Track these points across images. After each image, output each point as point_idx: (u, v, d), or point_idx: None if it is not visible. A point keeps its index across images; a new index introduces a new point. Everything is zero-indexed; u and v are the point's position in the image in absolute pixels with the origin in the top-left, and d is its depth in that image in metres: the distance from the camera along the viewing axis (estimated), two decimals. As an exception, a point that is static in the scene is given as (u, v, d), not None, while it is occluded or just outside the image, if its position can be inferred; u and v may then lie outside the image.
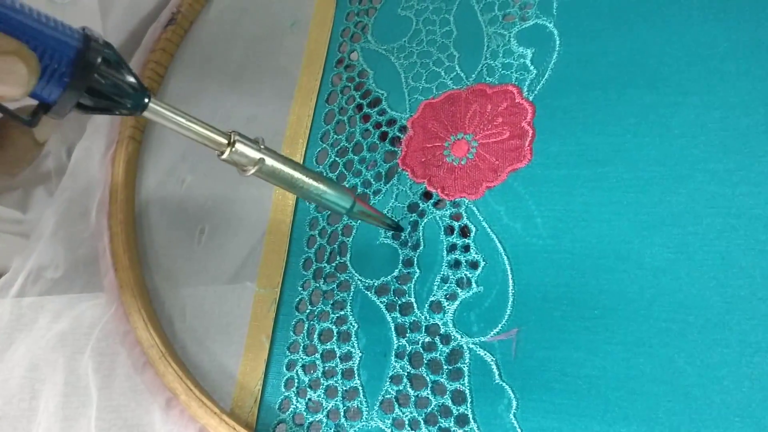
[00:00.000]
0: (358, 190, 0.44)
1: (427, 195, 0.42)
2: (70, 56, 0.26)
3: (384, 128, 0.45)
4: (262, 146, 0.33)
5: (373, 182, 0.44)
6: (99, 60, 0.27)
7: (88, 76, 0.27)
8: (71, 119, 0.58)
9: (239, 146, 0.31)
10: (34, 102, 0.28)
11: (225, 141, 0.31)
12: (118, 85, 0.28)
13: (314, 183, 0.35)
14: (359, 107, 0.47)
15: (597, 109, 0.39)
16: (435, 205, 0.41)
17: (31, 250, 0.52)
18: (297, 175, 0.34)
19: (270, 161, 0.33)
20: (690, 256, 0.33)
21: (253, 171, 0.32)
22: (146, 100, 0.29)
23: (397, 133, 0.45)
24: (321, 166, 0.46)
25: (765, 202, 0.32)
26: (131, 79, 0.29)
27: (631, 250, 0.35)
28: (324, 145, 0.47)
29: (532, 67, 0.42)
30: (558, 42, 0.42)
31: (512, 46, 0.43)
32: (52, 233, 0.52)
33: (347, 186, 0.44)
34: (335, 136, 0.47)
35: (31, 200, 0.61)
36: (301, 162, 0.46)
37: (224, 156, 0.32)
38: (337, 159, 0.46)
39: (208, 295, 0.45)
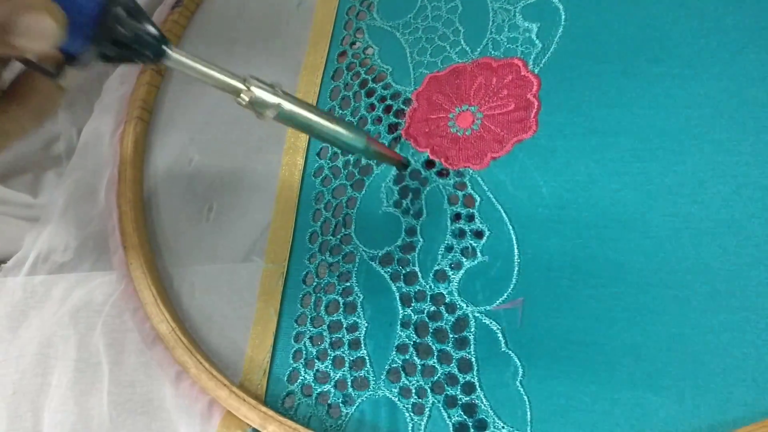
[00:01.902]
0: (362, 162, 0.44)
1: (429, 164, 0.42)
2: (94, 9, 0.27)
3: (388, 102, 0.45)
4: (279, 90, 0.33)
5: (378, 155, 0.44)
6: (121, 11, 0.28)
7: (112, 28, 0.28)
8: (82, 100, 0.59)
9: (255, 90, 0.32)
10: None
11: (242, 86, 0.32)
12: (139, 35, 0.29)
13: (330, 125, 0.36)
14: (364, 83, 0.47)
15: (602, 82, 0.39)
16: (438, 174, 0.41)
17: (41, 230, 0.53)
18: (314, 118, 0.35)
19: (288, 105, 0.34)
20: (695, 225, 0.33)
21: (271, 116, 0.33)
22: (165, 48, 0.30)
23: (402, 106, 0.45)
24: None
25: (770, 167, 0.32)
26: (151, 29, 0.30)
27: (636, 220, 0.35)
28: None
29: (537, 41, 0.42)
30: (564, 16, 0.42)
31: (517, 20, 0.43)
32: (61, 213, 0.53)
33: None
34: (340, 111, 0.47)
35: (41, 184, 0.62)
36: (305, 143, 0.46)
37: (245, 102, 0.32)
38: (342, 134, 0.46)
39: (217, 272, 0.46)
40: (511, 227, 0.38)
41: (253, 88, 0.32)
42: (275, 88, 0.33)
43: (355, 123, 0.46)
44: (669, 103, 0.36)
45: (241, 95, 0.32)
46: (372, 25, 0.49)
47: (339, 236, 0.42)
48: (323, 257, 0.42)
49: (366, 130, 0.42)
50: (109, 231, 0.50)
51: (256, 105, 0.33)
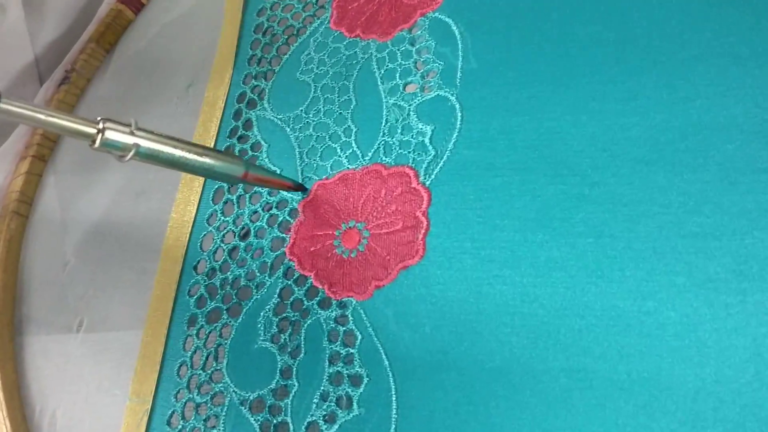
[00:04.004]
0: (241, 283, 0.40)
1: (312, 291, 0.37)
2: None
3: (274, 210, 0.41)
4: (134, 129, 0.30)
5: (258, 274, 0.39)
6: None
7: None
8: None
9: (110, 134, 0.29)
10: None
11: (93, 130, 0.29)
12: None
13: (199, 159, 0.33)
14: (250, 186, 0.43)
15: (495, 201, 0.35)
16: (320, 304, 0.37)
17: None
18: (179, 153, 0.32)
19: (146, 144, 0.31)
20: (590, 381, 0.29)
21: (130, 156, 0.30)
22: None
23: (287, 217, 0.40)
24: (205, 253, 0.42)
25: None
26: None
27: (526, 374, 0.31)
28: (210, 229, 0.43)
29: (430, 147, 0.38)
30: (459, 118, 0.38)
31: (411, 121, 0.39)
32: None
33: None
34: (222, 218, 0.42)
35: None
36: (183, 255, 0.42)
37: (96, 145, 0.29)
38: (221, 245, 0.42)
39: (81, 403, 0.41)
40: (390, 373, 0.33)
41: (106, 131, 0.29)
42: (131, 127, 0.30)
43: (237, 233, 0.41)
44: (567, 230, 0.32)
45: (95, 140, 0.29)
46: (262, 116, 0.45)
47: (209, 371, 0.38)
48: (191, 395, 0.38)
49: (245, 159, 0.38)
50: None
51: (111, 148, 0.30)
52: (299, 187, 0.40)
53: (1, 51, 0.55)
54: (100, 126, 0.30)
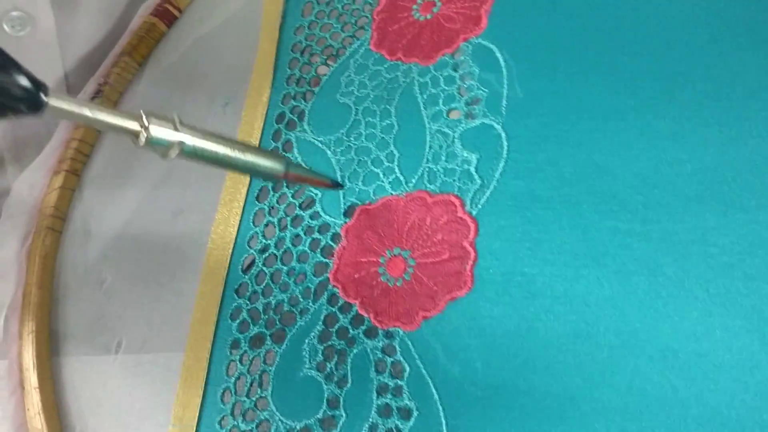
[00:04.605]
0: (284, 308, 0.40)
1: (357, 319, 0.37)
2: None
3: (316, 235, 0.41)
4: (179, 124, 0.30)
5: (301, 299, 0.39)
6: None
7: None
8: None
9: (154, 129, 0.29)
10: None
11: (137, 126, 0.29)
12: (5, 89, 0.26)
13: (242, 156, 0.33)
14: (290, 208, 0.43)
15: (545, 234, 0.35)
16: (366, 333, 0.37)
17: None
18: (223, 151, 0.32)
19: (191, 140, 0.31)
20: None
21: (174, 154, 0.30)
22: (44, 98, 0.26)
23: (330, 242, 0.40)
24: (247, 276, 0.42)
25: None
26: (22, 81, 0.26)
27: (579, 411, 0.31)
28: (251, 251, 0.43)
29: (476, 176, 0.38)
30: (506, 147, 0.38)
31: (456, 148, 0.39)
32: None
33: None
34: (264, 241, 0.42)
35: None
36: (224, 277, 0.42)
37: (141, 143, 0.29)
38: (264, 269, 0.42)
39: (119, 427, 0.41)
40: (441, 408, 0.33)
41: (151, 127, 0.29)
42: (176, 123, 0.30)
43: (279, 257, 0.41)
44: (619, 267, 0.33)
45: (139, 137, 0.29)
46: (302, 138, 0.45)
47: (254, 398, 0.38)
48: (236, 422, 0.38)
49: (286, 157, 0.39)
50: (9, 364, 0.45)
51: (156, 145, 0.30)
52: (336, 185, 0.41)
53: (30, 62, 0.54)
54: (145, 122, 0.29)
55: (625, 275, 0.32)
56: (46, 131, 0.56)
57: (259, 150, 0.35)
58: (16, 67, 0.26)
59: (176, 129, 0.30)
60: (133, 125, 0.29)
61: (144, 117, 0.29)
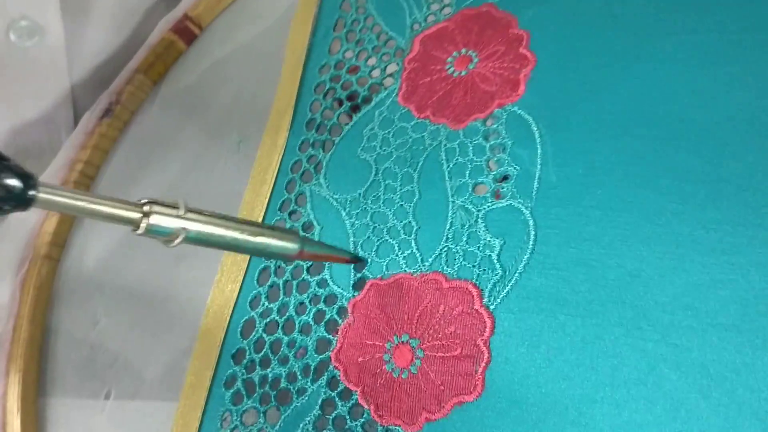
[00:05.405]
0: (281, 385, 0.37)
1: (357, 409, 0.35)
2: None
3: (321, 305, 0.39)
4: (182, 211, 0.28)
5: (300, 377, 0.37)
6: None
7: None
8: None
9: (155, 218, 0.27)
10: None
11: (138, 215, 0.26)
12: None
13: (253, 239, 0.31)
14: (297, 272, 0.40)
15: (566, 345, 0.32)
16: (364, 426, 0.34)
17: None
18: (231, 234, 0.30)
19: (195, 227, 0.28)
20: None
21: (178, 242, 0.28)
22: (32, 194, 0.24)
23: (335, 316, 0.38)
24: (245, 341, 0.40)
25: None
26: (9, 181, 0.23)
27: None
28: (252, 314, 0.40)
29: (498, 266, 0.35)
30: (533, 237, 0.35)
31: (479, 229, 0.36)
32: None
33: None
34: (267, 305, 0.40)
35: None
36: (221, 339, 0.39)
37: (140, 232, 0.27)
38: (264, 336, 0.39)
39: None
40: None
41: (152, 216, 0.27)
42: (179, 208, 0.28)
43: (280, 324, 0.39)
44: (642, 395, 0.30)
45: (140, 226, 0.27)
46: (317, 192, 0.42)
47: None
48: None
49: (301, 235, 0.36)
50: (-7, 401, 0.43)
51: (157, 234, 0.27)
52: (357, 260, 0.38)
53: (35, 73, 0.52)
54: (146, 209, 0.27)
55: (647, 404, 0.30)
56: (47, 139, 0.54)
57: (272, 230, 0.32)
58: (2, 165, 0.23)
59: (179, 217, 0.28)
60: (134, 215, 0.26)
61: (145, 205, 0.27)
